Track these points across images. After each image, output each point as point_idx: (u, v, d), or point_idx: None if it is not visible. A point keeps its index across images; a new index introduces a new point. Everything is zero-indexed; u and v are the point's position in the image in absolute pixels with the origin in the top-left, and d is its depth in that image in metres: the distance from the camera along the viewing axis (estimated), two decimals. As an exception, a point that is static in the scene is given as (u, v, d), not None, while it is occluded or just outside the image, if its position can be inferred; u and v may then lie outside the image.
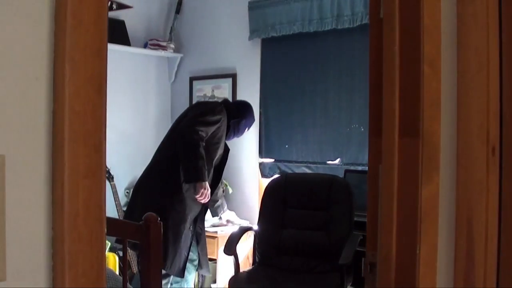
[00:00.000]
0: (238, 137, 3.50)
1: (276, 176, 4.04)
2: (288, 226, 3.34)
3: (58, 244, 0.75)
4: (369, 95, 1.32)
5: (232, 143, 3.63)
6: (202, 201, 3.18)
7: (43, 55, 0.74)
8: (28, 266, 0.74)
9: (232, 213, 4.02)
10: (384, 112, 1.22)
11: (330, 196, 3.30)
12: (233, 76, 4.54)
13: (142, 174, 3.36)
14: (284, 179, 3.51)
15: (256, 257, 3.38)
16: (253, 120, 3.55)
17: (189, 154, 3.06)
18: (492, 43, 1.20)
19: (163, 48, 4.71)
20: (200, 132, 3.06)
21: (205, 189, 3.13)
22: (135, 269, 3.79)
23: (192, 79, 4.81)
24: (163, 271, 2.96)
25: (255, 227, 3.47)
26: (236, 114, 3.39)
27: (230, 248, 3.09)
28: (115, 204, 3.94)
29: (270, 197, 3.41)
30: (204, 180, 3.11)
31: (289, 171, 4.25)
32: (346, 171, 3.93)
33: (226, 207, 3.83)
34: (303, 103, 4.22)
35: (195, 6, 4.80)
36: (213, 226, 4.10)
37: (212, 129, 3.15)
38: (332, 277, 3.04)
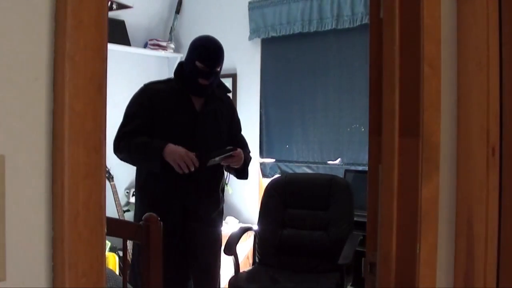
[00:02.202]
0: (207, 76, 2.55)
1: (276, 176, 4.04)
2: (288, 226, 3.34)
3: (58, 244, 0.75)
4: (369, 95, 1.32)
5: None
6: (188, 169, 2.41)
7: (43, 55, 0.74)
8: (28, 266, 0.74)
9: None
10: (384, 112, 1.22)
11: (330, 196, 3.30)
12: (233, 76, 4.54)
13: None
14: (284, 179, 3.51)
15: (256, 257, 3.38)
16: (193, 51, 2.59)
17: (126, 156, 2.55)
18: (492, 43, 1.20)
19: (163, 48, 4.71)
20: (117, 138, 2.56)
21: (180, 156, 2.38)
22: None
23: (192, 79, 4.80)
24: None
25: (255, 227, 3.47)
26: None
27: (230, 248, 3.08)
28: (115, 204, 3.94)
29: (270, 197, 3.41)
30: (161, 149, 2.40)
31: (290, 171, 4.25)
32: (346, 171, 3.94)
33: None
34: (303, 103, 4.22)
35: (195, 6, 4.80)
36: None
37: (130, 120, 2.57)
38: (332, 277, 3.04)
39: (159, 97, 2.59)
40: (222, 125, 2.70)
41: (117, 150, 2.56)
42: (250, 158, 2.84)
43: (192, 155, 2.43)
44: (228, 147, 2.58)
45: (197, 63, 2.52)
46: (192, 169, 2.42)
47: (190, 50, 2.62)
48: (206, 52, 2.54)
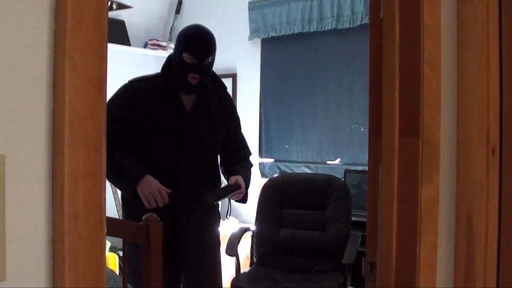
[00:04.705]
0: (199, 69, 2.29)
1: (274, 175, 4.04)
2: (285, 226, 3.34)
3: (58, 244, 0.75)
4: (369, 95, 1.32)
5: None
6: (156, 205, 2.19)
7: (43, 55, 0.74)
8: (28, 266, 0.74)
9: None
10: (384, 112, 1.22)
11: (327, 196, 3.30)
12: (233, 76, 4.54)
13: None
14: (281, 179, 3.50)
15: (254, 257, 3.38)
16: (179, 43, 2.32)
17: None
18: (492, 43, 1.20)
19: (163, 48, 4.71)
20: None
21: (150, 192, 2.17)
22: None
23: (192, 79, 4.81)
24: None
25: (253, 227, 3.47)
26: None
27: (232, 249, 3.09)
28: (115, 204, 3.94)
29: (267, 197, 3.40)
30: (137, 178, 2.19)
31: (289, 171, 4.25)
32: (346, 171, 3.94)
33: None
34: (303, 103, 4.23)
35: (195, 6, 4.80)
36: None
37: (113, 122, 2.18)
38: (333, 277, 3.04)
39: (143, 96, 2.30)
40: (217, 125, 2.42)
41: None
42: (250, 172, 2.55)
43: (164, 192, 2.20)
44: (230, 185, 2.38)
45: (185, 55, 2.25)
46: (161, 205, 2.19)
47: (177, 41, 2.32)
48: (194, 42, 2.26)
